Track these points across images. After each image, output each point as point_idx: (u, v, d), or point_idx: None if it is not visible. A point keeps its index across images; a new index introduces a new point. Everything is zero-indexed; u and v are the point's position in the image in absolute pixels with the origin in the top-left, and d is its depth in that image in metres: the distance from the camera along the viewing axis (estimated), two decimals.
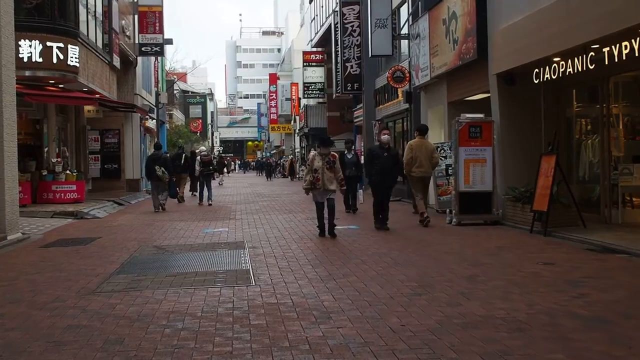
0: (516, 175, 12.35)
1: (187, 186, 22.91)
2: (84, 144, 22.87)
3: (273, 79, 62.45)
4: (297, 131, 52.42)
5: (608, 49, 9.06)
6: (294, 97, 51.86)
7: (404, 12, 21.43)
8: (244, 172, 71.49)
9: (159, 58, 32.34)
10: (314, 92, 38.60)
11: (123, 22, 23.21)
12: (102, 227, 13.15)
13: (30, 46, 15.05)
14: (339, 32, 27.97)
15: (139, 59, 26.42)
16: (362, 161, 17.22)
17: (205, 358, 4.39)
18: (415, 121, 18.85)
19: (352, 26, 27.05)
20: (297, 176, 42.78)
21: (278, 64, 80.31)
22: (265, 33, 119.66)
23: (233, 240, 10.72)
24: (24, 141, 17.10)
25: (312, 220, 12.60)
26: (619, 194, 11.10)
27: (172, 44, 32.30)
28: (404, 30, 20.52)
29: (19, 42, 14.31)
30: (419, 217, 12.48)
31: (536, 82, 11.41)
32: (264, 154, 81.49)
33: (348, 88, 27.64)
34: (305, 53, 39.96)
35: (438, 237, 10.67)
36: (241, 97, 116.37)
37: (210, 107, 74.77)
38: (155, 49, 26.43)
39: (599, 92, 11.44)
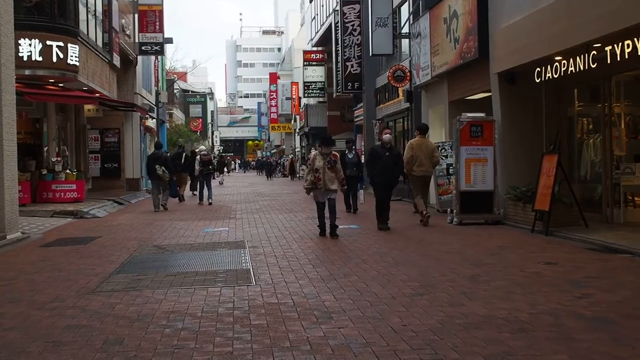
0: (517, 174, 12.31)
1: (188, 185, 22.85)
2: (84, 143, 22.83)
3: (273, 78, 62.41)
4: (297, 130, 52.40)
5: (610, 47, 9.03)
6: (294, 96, 51.81)
7: (405, 11, 21.40)
8: (244, 172, 71.45)
9: (159, 57, 32.28)
10: (315, 91, 38.57)
11: (123, 21, 23.16)
12: (102, 226, 13.11)
13: (30, 45, 15.00)
14: (339, 31, 27.92)
15: (139, 58, 26.38)
16: (363, 161, 17.18)
17: (205, 358, 4.35)
18: (416, 120, 18.81)
19: (353, 25, 27.01)
20: (298, 175, 42.75)
21: (278, 63, 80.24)
22: (265, 32, 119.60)
23: (233, 239, 10.68)
24: (23, 140, 17.08)
25: (313, 219, 12.56)
26: (620, 193, 11.06)
27: (172, 43, 32.33)
28: (405, 29, 20.48)
29: (19, 41, 14.27)
30: (419, 217, 12.44)
31: (538, 81, 11.37)
32: (264, 153, 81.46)
33: (348, 87, 27.60)
34: (305, 52, 39.92)
35: (439, 236, 10.63)
36: (241, 97, 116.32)
37: (210, 106, 74.73)
38: (155, 48, 26.39)
39: (601, 91, 11.40)
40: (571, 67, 10.11)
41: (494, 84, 12.99)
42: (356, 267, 7.72)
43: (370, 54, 23.08)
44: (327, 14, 33.90)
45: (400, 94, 21.00)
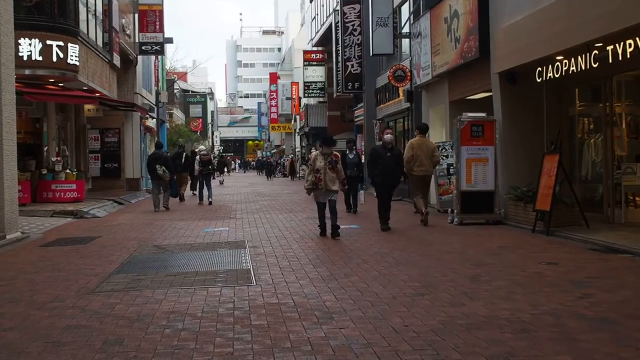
0: (518, 174, 12.28)
1: (189, 185, 22.81)
2: (84, 143, 22.81)
3: (273, 78, 62.37)
4: (297, 130, 52.38)
5: (612, 47, 9.00)
6: (294, 96, 51.78)
7: (405, 10, 21.37)
8: (244, 172, 71.43)
9: (159, 57, 32.26)
10: (315, 91, 38.54)
11: (123, 20, 23.15)
12: (101, 226, 13.09)
13: (30, 44, 14.97)
14: (339, 31, 27.90)
15: (139, 57, 26.36)
16: (364, 161, 17.15)
17: (205, 359, 4.33)
18: (416, 120, 18.79)
19: (353, 25, 26.99)
20: (298, 176, 42.72)
21: (278, 63, 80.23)
22: (265, 32, 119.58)
23: (233, 239, 10.66)
24: (23, 140, 17.06)
25: (313, 219, 12.54)
26: (622, 193, 11.04)
27: (172, 42, 32.30)
28: (405, 29, 20.45)
29: (19, 41, 14.25)
30: (420, 217, 12.41)
31: (539, 80, 11.35)
32: (264, 153, 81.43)
33: (349, 87, 27.57)
34: (305, 52, 39.89)
35: (440, 236, 10.61)
36: (241, 97, 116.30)
37: (210, 106, 74.72)
38: (155, 47, 26.37)
39: (602, 90, 11.38)
40: (572, 66, 10.08)
41: (494, 84, 12.97)
42: (357, 267, 7.69)
43: (371, 54, 23.04)
44: (327, 14, 33.88)
45: (401, 93, 20.97)
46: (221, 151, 67.50)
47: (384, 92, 23.92)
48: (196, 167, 19.44)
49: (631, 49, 8.57)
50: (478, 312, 5.39)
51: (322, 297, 6.10)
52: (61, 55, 15.45)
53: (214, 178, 22.24)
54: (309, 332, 4.90)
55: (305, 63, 38.71)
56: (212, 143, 75.55)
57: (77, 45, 16.00)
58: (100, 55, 18.97)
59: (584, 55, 9.75)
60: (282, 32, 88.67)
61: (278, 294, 6.25)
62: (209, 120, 73.16)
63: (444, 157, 14.62)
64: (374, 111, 25.24)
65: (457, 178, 12.53)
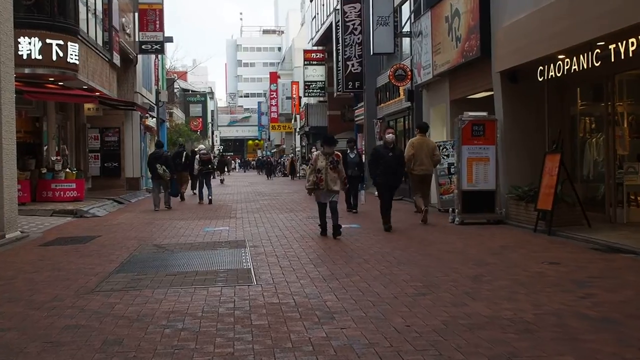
0: (519, 173, 12.25)
1: (189, 185, 22.76)
2: (84, 142, 22.77)
3: (273, 77, 62.33)
4: (297, 130, 52.34)
5: (614, 45, 8.95)
6: (294, 95, 51.75)
7: (406, 9, 21.34)
8: (244, 171, 71.38)
9: (159, 56, 32.23)
10: (315, 90, 38.50)
11: (123, 19, 23.10)
12: (101, 225, 13.05)
13: (29, 43, 14.93)
14: (340, 30, 27.87)
15: (139, 57, 26.32)
16: (364, 160, 17.12)
17: (206, 359, 4.29)
18: (417, 120, 18.75)
19: (354, 24, 26.96)
20: (298, 175, 42.69)
21: (278, 63, 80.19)
22: (265, 32, 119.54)
23: (234, 239, 10.62)
24: (23, 139, 17.02)
25: (314, 219, 12.50)
26: (624, 193, 11.00)
27: (172, 42, 32.26)
28: (406, 28, 20.41)
29: (18, 39, 14.21)
30: (420, 216, 12.38)
31: (540, 80, 11.30)
32: (264, 153, 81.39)
33: (349, 86, 27.53)
34: (306, 51, 39.86)
35: (441, 236, 10.57)
36: (241, 96, 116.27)
37: (210, 105, 74.68)
38: (155, 46, 26.32)
39: (604, 90, 11.35)
40: (574, 65, 10.04)
41: (496, 83, 12.93)
42: (358, 266, 7.65)
43: (372, 53, 23.01)
44: (328, 13, 33.84)
45: (401, 93, 20.93)
46: (221, 150, 67.35)
47: (384, 92, 23.88)
48: (196, 166, 19.40)
49: (633, 47, 8.53)
50: (480, 312, 5.35)
51: (323, 296, 6.06)
52: (61, 54, 15.41)
53: (214, 177, 22.18)
54: (310, 332, 4.86)
55: (306, 62, 38.67)
56: (212, 142, 75.50)
57: (76, 44, 15.96)
58: (100, 54, 18.93)
59: (585, 54, 9.71)
60: (282, 32, 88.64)
61: (279, 294, 6.21)
62: (209, 119, 73.11)
63: (445, 157, 14.59)
64: (374, 110, 25.20)
65: (458, 177, 12.49)
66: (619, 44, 8.83)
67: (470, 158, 12.31)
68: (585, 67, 9.76)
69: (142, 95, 27.12)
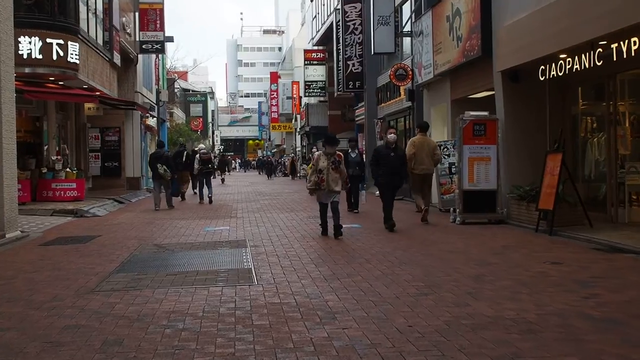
0: (521, 173, 12.21)
1: (190, 184, 22.72)
2: (84, 141, 22.74)
3: (274, 77, 62.30)
4: (298, 130, 52.31)
5: (616, 44, 8.92)
6: (295, 95, 51.72)
7: (407, 9, 21.31)
8: (245, 171, 71.35)
9: (160, 56, 32.19)
10: (315, 90, 38.46)
11: (124, 19, 23.06)
12: (102, 225, 13.02)
13: (30, 42, 14.90)
14: (340, 30, 27.83)
15: (140, 56, 26.28)
16: (366, 160, 17.07)
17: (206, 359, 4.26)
18: (417, 119, 18.72)
19: (354, 24, 26.92)
20: (298, 175, 42.65)
21: (279, 63, 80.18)
22: (266, 32, 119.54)
23: (234, 238, 10.59)
24: (23, 139, 16.99)
25: (314, 218, 12.47)
26: (625, 192, 10.95)
27: (172, 41, 32.19)
28: (407, 28, 20.38)
29: (19, 39, 14.18)
30: (420, 216, 12.35)
31: (542, 79, 11.27)
32: (264, 152, 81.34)
33: (350, 86, 27.49)
34: (306, 51, 39.82)
35: (442, 236, 10.54)
36: (242, 96, 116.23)
37: (211, 105, 74.64)
38: (156, 46, 26.28)
39: (606, 89, 11.30)
40: (576, 65, 10.01)
41: (497, 82, 12.90)
42: (359, 266, 7.62)
43: (372, 53, 22.98)
44: (328, 13, 33.81)
45: (402, 92, 20.90)
46: (222, 150, 67.32)
47: (385, 91, 23.84)
48: (196, 165, 19.36)
49: (636, 46, 8.50)
50: (483, 313, 5.32)
51: (325, 296, 6.02)
52: (61, 54, 15.37)
53: (214, 177, 22.10)
54: (312, 332, 4.83)
55: (306, 62, 38.63)
56: (213, 142, 75.46)
57: (77, 44, 15.92)
58: (101, 53, 18.90)
59: (587, 54, 9.68)
60: (283, 32, 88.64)
61: (280, 294, 6.17)
62: (210, 119, 73.07)
63: (446, 156, 14.56)
64: (375, 110, 25.16)
65: (460, 177, 12.46)
66: (621, 43, 8.80)
67: (471, 158, 12.28)
68: (587, 66, 9.73)
69: (143, 95, 27.09)
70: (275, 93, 60.82)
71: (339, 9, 28.16)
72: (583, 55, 9.79)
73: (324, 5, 36.64)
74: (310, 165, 13.87)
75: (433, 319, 5.13)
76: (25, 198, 15.32)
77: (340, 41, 27.93)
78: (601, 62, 9.41)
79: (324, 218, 10.66)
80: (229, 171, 43.21)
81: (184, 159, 20.64)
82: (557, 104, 12.33)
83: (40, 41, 15.03)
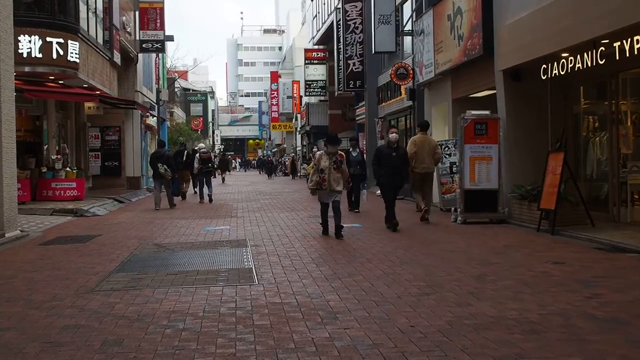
0: (522, 173, 12.18)
1: (191, 183, 22.68)
2: (84, 141, 22.70)
3: (274, 76, 62.25)
4: (298, 129, 52.26)
5: (619, 43, 8.88)
6: (295, 95, 51.67)
7: (408, 8, 21.27)
8: (245, 171, 71.31)
9: (160, 55, 32.15)
10: (316, 90, 38.41)
11: (124, 18, 23.03)
12: (102, 224, 12.99)
13: (29, 41, 14.86)
14: (341, 29, 27.78)
15: (140, 55, 26.25)
16: (367, 159, 17.02)
17: None
18: (418, 118, 18.67)
19: (355, 23, 26.87)
20: (299, 174, 42.62)
21: (279, 62, 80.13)
22: (266, 31, 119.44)
23: (235, 238, 10.55)
24: (23, 138, 16.96)
25: (315, 218, 12.43)
26: (627, 192, 10.91)
27: (173, 40, 32.20)
28: (408, 27, 20.33)
29: (19, 38, 14.15)
30: (420, 215, 12.32)
31: (544, 78, 11.23)
32: (265, 152, 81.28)
33: (350, 85, 27.44)
34: (307, 51, 39.77)
35: (443, 235, 10.50)
36: (242, 95, 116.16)
37: (211, 105, 74.57)
38: (156, 45, 26.25)
39: (608, 88, 11.26)
40: (578, 63, 9.97)
41: (498, 82, 12.86)
42: (360, 266, 7.58)
43: (373, 52, 22.94)
44: (329, 12, 33.76)
45: (403, 92, 20.86)
46: (222, 150, 67.24)
47: (385, 91, 23.79)
48: (196, 165, 19.32)
49: (638, 45, 8.45)
50: (485, 312, 5.28)
51: (326, 296, 5.99)
52: (61, 53, 15.34)
53: (214, 177, 22.02)
54: (313, 332, 4.79)
55: (307, 61, 38.58)
56: (213, 142, 75.39)
57: (77, 43, 15.89)
58: (101, 52, 18.86)
59: (590, 52, 9.64)
60: (283, 31, 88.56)
61: (281, 294, 6.14)
62: (210, 118, 73.01)
63: (447, 156, 14.52)
64: (375, 109, 25.12)
65: (461, 176, 12.42)
66: (624, 41, 8.76)
67: (472, 157, 12.24)
68: (589, 65, 9.69)
69: (143, 94, 27.05)
70: (275, 92, 60.77)
71: (339, 8, 28.11)
72: (585, 54, 9.75)
73: (324, 4, 36.59)
74: (311, 164, 13.87)
75: (435, 319, 5.09)
76: (25, 197, 15.29)
77: (341, 40, 27.88)
78: (604, 60, 9.37)
79: (325, 217, 10.62)
80: (229, 171, 43.21)
81: (184, 158, 20.59)
82: (559, 103, 12.29)
83: (40, 40, 14.99)
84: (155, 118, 30.76)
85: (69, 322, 5.21)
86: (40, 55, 15.02)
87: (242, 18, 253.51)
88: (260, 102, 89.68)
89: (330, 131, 28.48)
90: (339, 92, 29.67)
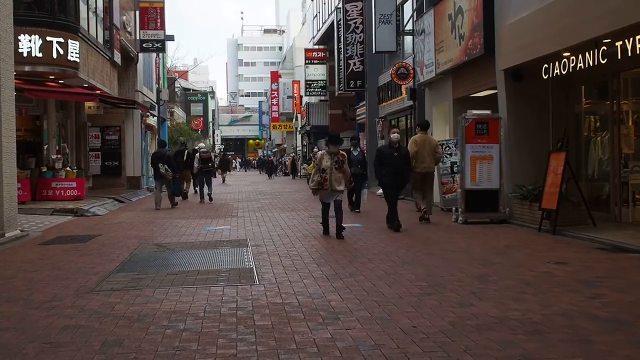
0: (523, 172, 12.15)
1: (192, 183, 22.64)
2: (85, 140, 22.67)
3: (274, 76, 62.21)
4: (298, 129, 52.23)
5: (621, 43, 8.85)
6: (295, 94, 51.63)
7: (408, 7, 21.23)
8: (245, 171, 71.28)
9: (160, 55, 32.12)
10: (316, 89, 38.39)
11: (124, 17, 23.00)
12: (102, 224, 12.96)
13: (30, 41, 14.83)
14: (341, 28, 27.75)
15: (140, 55, 26.22)
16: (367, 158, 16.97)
17: None
18: (419, 118, 18.64)
19: (355, 23, 26.84)
20: (299, 174, 42.59)
21: (279, 62, 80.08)
22: (266, 31, 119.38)
23: (235, 238, 10.52)
24: (23, 138, 16.93)
25: (316, 218, 12.40)
26: (629, 192, 10.89)
27: (173, 40, 32.23)
28: (409, 26, 20.30)
29: (19, 37, 14.11)
30: (419, 215, 12.29)
31: (545, 77, 11.20)
32: (265, 152, 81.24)
33: (351, 85, 27.41)
34: (307, 50, 39.74)
35: (444, 235, 10.47)
36: (242, 95, 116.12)
37: (211, 105, 74.54)
38: (156, 45, 26.23)
39: (609, 88, 11.23)
40: (580, 63, 9.94)
41: (499, 81, 12.82)
42: (362, 266, 7.55)
43: (374, 51, 22.90)
44: (329, 12, 33.73)
45: (404, 91, 20.83)
46: (222, 149, 67.23)
47: (386, 90, 23.75)
48: (195, 164, 19.29)
49: None
50: (488, 313, 5.25)
51: (327, 296, 5.95)
52: (61, 52, 15.31)
53: (214, 177, 21.98)
54: (315, 333, 4.76)
55: (307, 61, 38.55)
56: (213, 141, 75.35)
57: (77, 42, 15.85)
58: (101, 52, 18.83)
59: (591, 52, 9.61)
60: (283, 31, 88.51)
61: (282, 294, 6.11)
62: (210, 118, 72.97)
63: (448, 155, 14.49)
64: (376, 109, 25.08)
65: (462, 176, 12.39)
66: (626, 41, 8.73)
67: (473, 157, 12.21)
68: (591, 64, 9.67)
69: (143, 94, 27.02)
70: (275, 92, 60.73)
71: (340, 8, 28.08)
72: (587, 54, 9.72)
73: (324, 4, 36.57)
74: (311, 165, 13.85)
75: (437, 320, 5.06)
76: (25, 197, 15.25)
77: (341, 40, 27.85)
78: (605, 60, 9.34)
79: (326, 217, 10.58)
80: (229, 170, 43.20)
81: (184, 158, 20.56)
82: (560, 103, 12.25)
83: (40, 39, 14.96)
84: (155, 118, 30.73)
85: (68, 323, 5.18)
86: (40, 55, 14.99)
87: (242, 18, 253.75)
88: (260, 102, 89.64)
89: (329, 131, 28.48)
90: (340, 92, 29.64)
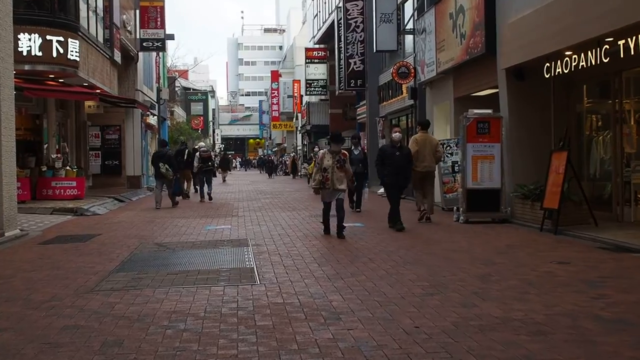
0: (524, 172, 12.11)
1: (192, 182, 22.59)
2: (85, 140, 22.63)
3: (275, 76, 62.16)
4: (299, 129, 52.18)
5: (623, 41, 8.81)
6: (296, 94, 51.59)
7: (409, 6, 21.18)
8: (246, 170, 71.24)
9: (161, 54, 32.07)
10: (317, 89, 38.35)
11: (124, 16, 22.95)
12: (102, 224, 12.91)
13: (29, 40, 14.80)
14: (342, 28, 27.70)
15: (140, 54, 26.18)
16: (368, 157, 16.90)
17: None
18: (420, 117, 18.58)
19: (356, 22, 26.79)
20: (299, 174, 42.55)
21: (280, 61, 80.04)
22: (267, 30, 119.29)
23: (236, 237, 10.48)
24: (23, 137, 16.89)
25: (317, 217, 12.35)
26: (631, 191, 10.84)
27: (173, 39, 32.08)
28: (409, 25, 20.25)
29: (18, 36, 14.08)
30: (419, 214, 12.24)
31: (547, 76, 11.15)
32: (265, 151, 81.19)
33: (351, 84, 27.36)
34: (307, 50, 39.70)
35: (445, 235, 10.43)
36: (243, 95, 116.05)
37: (211, 104, 74.51)
38: (156, 44, 26.18)
39: (611, 87, 11.19)
40: (582, 62, 9.89)
41: (501, 80, 12.78)
42: (363, 266, 7.51)
43: (375, 50, 22.85)
44: (330, 11, 33.69)
45: (404, 90, 20.79)
46: (222, 149, 67.22)
47: (387, 89, 23.71)
48: (195, 164, 19.24)
49: None
50: (491, 313, 5.21)
51: (329, 296, 5.91)
52: (61, 51, 15.27)
53: (214, 176, 21.93)
54: (316, 333, 4.72)
55: (307, 61, 38.51)
56: (214, 141, 75.33)
57: (77, 41, 15.82)
58: (101, 51, 18.79)
59: (593, 51, 9.56)
60: (284, 30, 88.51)
61: (283, 294, 6.06)
62: (210, 118, 72.95)
63: (449, 155, 14.44)
64: (376, 108, 25.03)
65: (463, 176, 12.35)
66: (628, 39, 8.68)
67: (475, 156, 12.17)
68: (593, 63, 9.62)
69: (143, 93, 26.98)
70: (276, 92, 60.68)
71: (340, 7, 28.04)
72: (589, 52, 9.67)
73: (325, 3, 36.52)
74: (311, 164, 13.81)
75: (440, 320, 5.02)
76: (25, 196, 15.21)
77: (342, 39, 27.80)
78: (607, 59, 9.29)
79: (327, 217, 10.54)
80: (230, 170, 43.17)
81: (185, 158, 20.51)
82: (561, 102, 12.21)
83: (40, 38, 14.93)
84: (155, 117, 30.69)
85: (68, 323, 5.14)
86: (40, 54, 14.96)
87: (242, 17, 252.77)
88: (260, 102, 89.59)
89: (330, 131, 28.42)
90: (340, 91, 29.60)
